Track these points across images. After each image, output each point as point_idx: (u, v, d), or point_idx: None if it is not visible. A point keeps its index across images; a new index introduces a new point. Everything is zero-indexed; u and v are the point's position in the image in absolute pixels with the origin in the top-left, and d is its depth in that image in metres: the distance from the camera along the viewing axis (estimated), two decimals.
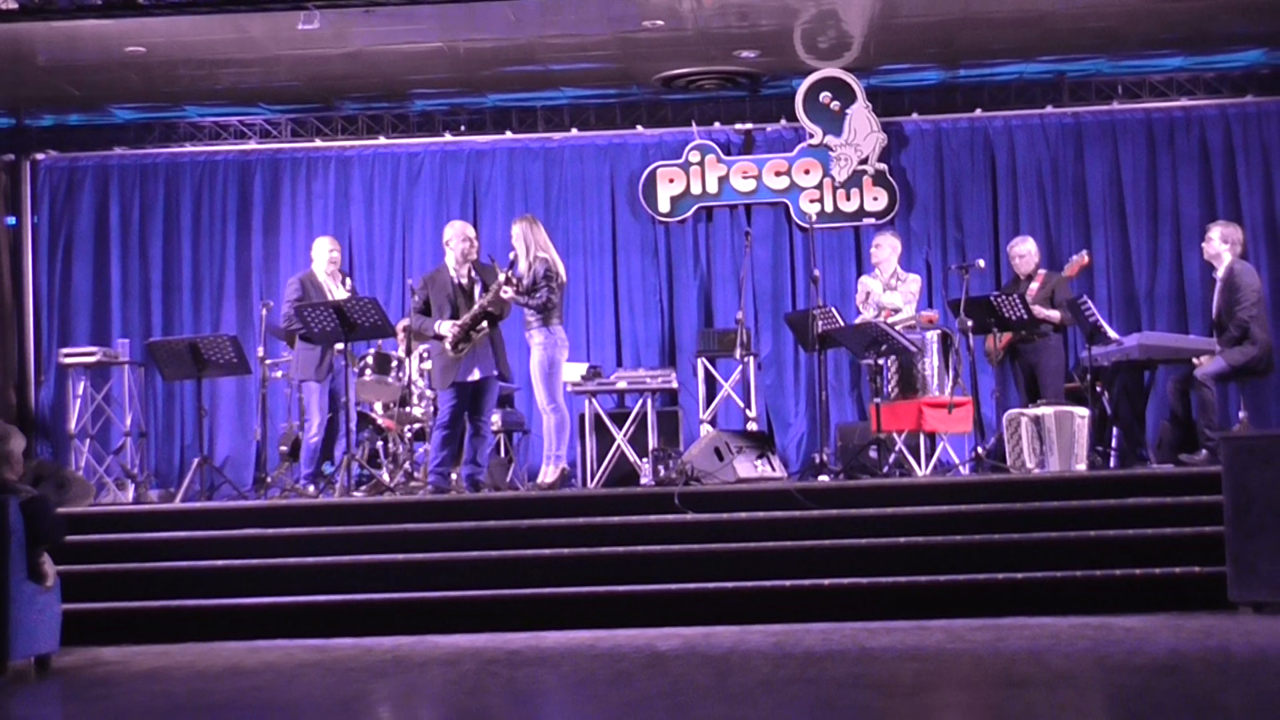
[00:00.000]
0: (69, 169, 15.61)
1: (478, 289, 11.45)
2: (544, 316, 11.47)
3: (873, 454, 11.69)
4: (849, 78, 14.54)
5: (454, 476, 11.54)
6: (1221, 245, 11.77)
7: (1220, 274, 11.73)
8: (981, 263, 12.82)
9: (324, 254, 12.43)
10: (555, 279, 11.51)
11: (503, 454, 13.54)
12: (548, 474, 11.53)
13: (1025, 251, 12.60)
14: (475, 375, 11.30)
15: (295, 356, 12.15)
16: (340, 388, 11.93)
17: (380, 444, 12.77)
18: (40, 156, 15.59)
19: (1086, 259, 12.43)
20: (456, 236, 11.61)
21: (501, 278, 11.33)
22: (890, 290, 12.72)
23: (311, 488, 11.73)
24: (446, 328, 11.23)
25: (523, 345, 12.20)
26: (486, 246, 15.02)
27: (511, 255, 11.61)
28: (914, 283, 12.87)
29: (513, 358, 14.05)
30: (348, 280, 12.82)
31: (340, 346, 11.81)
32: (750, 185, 14.97)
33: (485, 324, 11.31)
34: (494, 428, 13.24)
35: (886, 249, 12.93)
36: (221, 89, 14.46)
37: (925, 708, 6.08)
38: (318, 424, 11.95)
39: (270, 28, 12.74)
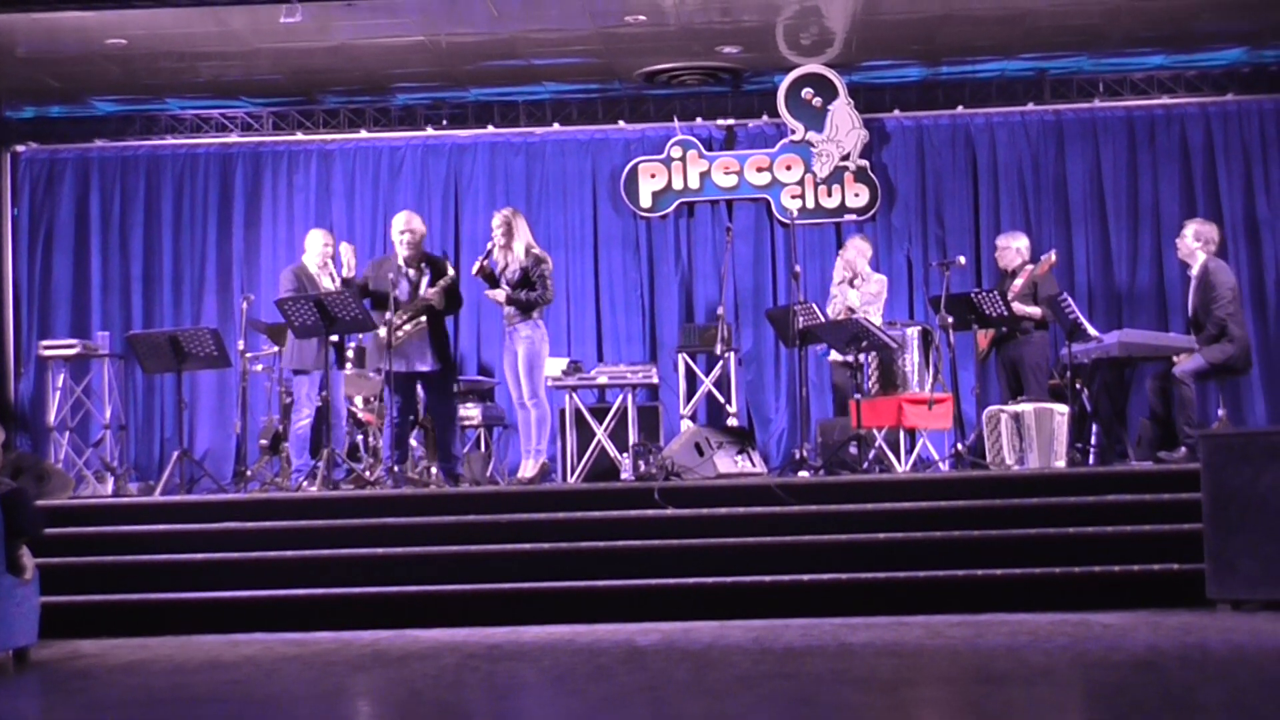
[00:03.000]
0: (49, 161, 15.56)
1: (424, 281, 11.46)
2: (526, 311, 11.46)
3: (853, 450, 11.70)
4: (831, 74, 14.56)
5: (433, 471, 11.57)
6: (1195, 243, 11.80)
7: (1195, 272, 11.75)
8: (962, 259, 12.84)
9: (317, 246, 12.28)
10: (550, 272, 11.55)
11: (482, 448, 13.54)
12: (528, 468, 11.52)
13: (1006, 245, 12.60)
14: (410, 368, 11.32)
15: (290, 346, 11.98)
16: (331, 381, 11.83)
17: (360, 438, 12.75)
18: (20, 148, 15.55)
19: (1054, 258, 12.44)
20: (395, 228, 11.63)
21: (451, 274, 11.38)
22: (853, 289, 12.78)
23: (305, 481, 11.61)
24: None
25: (498, 339, 12.17)
26: (468, 240, 15.08)
27: (490, 245, 11.59)
28: (875, 283, 12.92)
29: (493, 352, 14.11)
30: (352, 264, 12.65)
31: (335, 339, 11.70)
32: (732, 181, 14.98)
33: (424, 318, 11.32)
34: (473, 421, 13.27)
35: (852, 251, 13.01)
36: (203, 82, 14.43)
37: (904, 703, 6.09)
38: (307, 413, 11.89)
39: (252, 21, 12.71)
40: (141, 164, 15.51)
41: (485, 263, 11.47)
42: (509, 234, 11.55)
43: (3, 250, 15.36)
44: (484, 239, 14.62)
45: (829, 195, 14.82)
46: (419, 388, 11.66)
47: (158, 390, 15.15)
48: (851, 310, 12.45)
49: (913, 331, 12.30)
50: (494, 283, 11.56)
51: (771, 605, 9.02)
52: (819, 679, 6.63)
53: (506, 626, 8.89)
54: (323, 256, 12.07)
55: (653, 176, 15.05)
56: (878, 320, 12.43)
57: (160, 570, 9.69)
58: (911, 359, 12.22)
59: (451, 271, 11.47)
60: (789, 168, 14.87)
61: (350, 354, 12.51)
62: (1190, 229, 11.91)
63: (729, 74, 14.60)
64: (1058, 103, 14.90)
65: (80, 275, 15.39)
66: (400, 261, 11.51)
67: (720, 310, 12.87)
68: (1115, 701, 5.91)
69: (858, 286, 12.80)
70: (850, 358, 12.17)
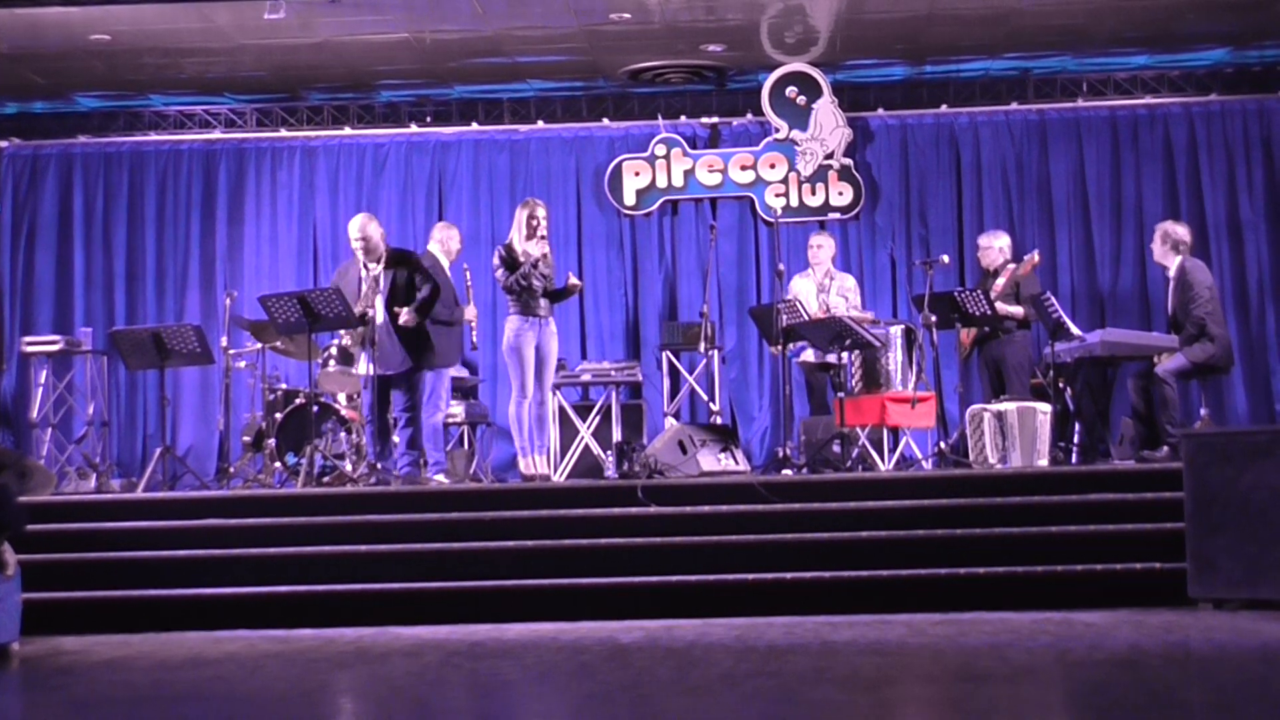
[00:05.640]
0: (32, 157, 15.54)
1: (384, 278, 11.41)
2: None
3: (836, 448, 11.71)
4: (815, 73, 14.57)
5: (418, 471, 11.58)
6: (1166, 245, 11.83)
7: (1172, 273, 11.79)
8: (946, 258, 12.85)
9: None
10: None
11: (465, 446, 13.52)
12: (541, 464, 11.49)
13: (988, 245, 12.64)
14: (379, 369, 11.33)
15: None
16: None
17: (344, 435, 12.74)
18: (3, 144, 15.53)
19: (1037, 258, 12.47)
20: (351, 235, 11.64)
21: (425, 290, 11.29)
22: (822, 293, 12.79)
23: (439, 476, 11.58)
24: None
25: (485, 335, 12.12)
26: None
27: (541, 236, 11.50)
28: (850, 279, 12.97)
29: (477, 348, 14.09)
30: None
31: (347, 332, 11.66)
32: (716, 179, 14.99)
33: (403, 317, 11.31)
34: (456, 419, 13.24)
35: (828, 248, 13.02)
36: (186, 78, 14.41)
37: (886, 702, 6.09)
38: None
39: (236, 17, 12.70)
40: (125, 160, 15.49)
41: (504, 253, 11.47)
42: (546, 226, 11.58)
43: None
44: (468, 237, 14.70)
45: (813, 194, 14.83)
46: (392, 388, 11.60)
47: (140, 387, 15.13)
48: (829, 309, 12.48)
49: (896, 330, 12.30)
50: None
51: (754, 603, 9.01)
52: (801, 677, 6.64)
53: (489, 624, 8.88)
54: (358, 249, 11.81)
55: (637, 174, 15.05)
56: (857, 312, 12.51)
57: (142, 567, 9.67)
58: (895, 357, 12.22)
59: (426, 290, 11.40)
60: (773, 166, 14.88)
61: (334, 351, 12.50)
62: (1160, 231, 11.97)
63: (713, 72, 14.60)
64: (1041, 102, 14.94)
65: (63, 271, 15.36)
66: (361, 266, 11.54)
67: (704, 308, 12.88)
68: (1097, 700, 5.91)
69: (828, 287, 12.81)
70: (820, 358, 12.22)
